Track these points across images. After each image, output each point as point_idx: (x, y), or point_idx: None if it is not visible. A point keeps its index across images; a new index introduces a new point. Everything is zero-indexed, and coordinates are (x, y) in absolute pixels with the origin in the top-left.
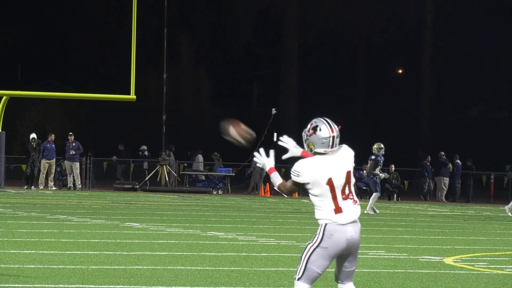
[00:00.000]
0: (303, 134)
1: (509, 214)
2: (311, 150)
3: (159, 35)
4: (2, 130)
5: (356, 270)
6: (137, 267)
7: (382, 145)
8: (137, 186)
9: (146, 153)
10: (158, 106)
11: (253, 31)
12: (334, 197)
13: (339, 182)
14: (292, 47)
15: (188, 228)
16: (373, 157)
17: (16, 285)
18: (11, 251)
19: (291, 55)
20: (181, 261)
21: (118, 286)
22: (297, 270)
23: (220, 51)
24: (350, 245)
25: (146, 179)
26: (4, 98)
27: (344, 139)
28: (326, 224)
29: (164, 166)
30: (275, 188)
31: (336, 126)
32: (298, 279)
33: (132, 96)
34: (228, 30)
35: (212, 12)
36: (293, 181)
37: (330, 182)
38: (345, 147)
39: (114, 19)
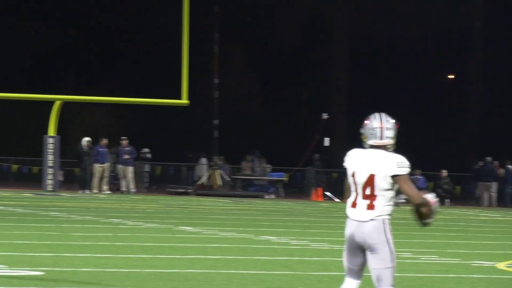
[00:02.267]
0: (361, 129)
1: None
2: (365, 144)
3: (210, 40)
4: (56, 134)
5: (408, 274)
6: (190, 270)
7: None
8: (190, 190)
9: (148, 155)
10: (210, 111)
11: (303, 36)
12: (356, 191)
13: (359, 180)
14: (343, 51)
15: (241, 232)
16: None
17: None
18: (66, 254)
19: (342, 59)
20: (234, 264)
21: None
22: None
23: (270, 56)
24: (360, 243)
25: (200, 182)
26: (57, 102)
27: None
28: (347, 217)
29: (216, 170)
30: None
31: (390, 120)
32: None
33: (185, 101)
34: (278, 34)
35: (262, 17)
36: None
37: (353, 175)
38: (389, 154)
39: (166, 25)
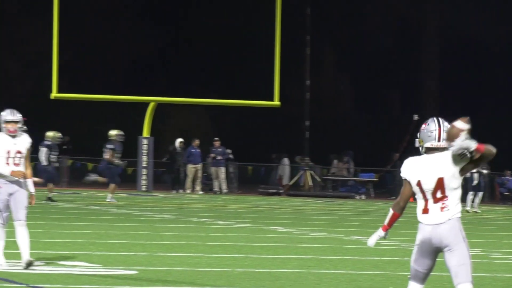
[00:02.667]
0: (418, 134)
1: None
2: (422, 148)
3: (302, 42)
4: (150, 135)
5: (498, 275)
6: (282, 270)
7: None
8: (282, 191)
9: (230, 156)
10: (301, 112)
11: (394, 38)
12: (425, 198)
13: (427, 187)
14: (433, 53)
15: (332, 232)
16: None
17: (164, 287)
18: (159, 253)
19: (432, 61)
20: (325, 264)
21: None
22: None
23: (361, 58)
24: (436, 245)
25: (291, 183)
26: (151, 104)
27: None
28: (419, 221)
29: (308, 171)
30: (394, 212)
31: (447, 124)
32: (409, 278)
33: (276, 102)
34: (369, 36)
35: (353, 19)
36: (403, 179)
37: (419, 184)
38: (447, 153)
39: (258, 27)
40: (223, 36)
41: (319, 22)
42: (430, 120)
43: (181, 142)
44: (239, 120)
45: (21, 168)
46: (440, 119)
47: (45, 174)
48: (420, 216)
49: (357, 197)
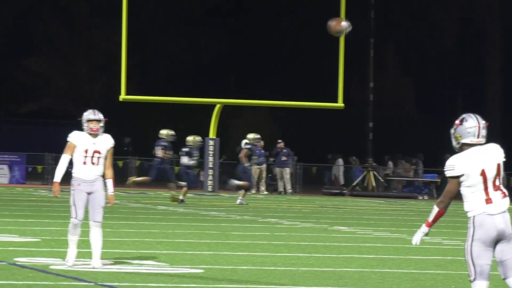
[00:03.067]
0: (451, 130)
1: None
2: (458, 143)
3: (365, 45)
4: (216, 136)
5: None
6: (345, 269)
7: None
8: (345, 191)
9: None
10: (365, 113)
11: (457, 39)
12: (486, 188)
13: (491, 174)
14: (496, 54)
15: (395, 232)
16: None
17: (230, 285)
18: (225, 252)
19: (495, 62)
20: (388, 264)
21: None
22: (469, 273)
23: (425, 59)
24: (500, 234)
25: (354, 183)
26: (218, 106)
27: None
28: (475, 216)
29: (371, 172)
30: (437, 207)
31: (483, 121)
32: (474, 279)
33: (340, 104)
34: (432, 38)
35: (416, 21)
36: (449, 178)
37: (483, 173)
38: (494, 144)
39: (323, 31)
40: (288, 39)
41: (383, 25)
42: (467, 117)
43: (246, 143)
44: (303, 122)
45: (99, 168)
46: (477, 116)
47: (185, 177)
48: (484, 207)
49: (420, 198)
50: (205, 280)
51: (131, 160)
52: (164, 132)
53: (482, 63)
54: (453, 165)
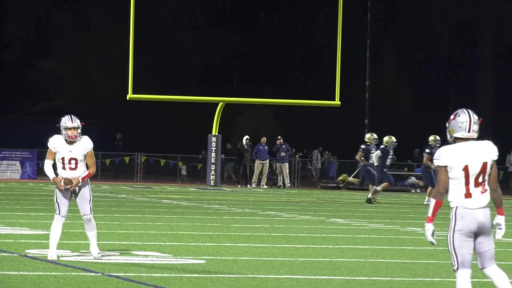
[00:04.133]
0: (446, 124)
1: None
2: (451, 137)
3: (363, 45)
4: (218, 133)
5: None
6: (341, 259)
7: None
8: (341, 185)
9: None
10: (361, 111)
11: (451, 40)
12: (467, 183)
13: (474, 171)
14: (488, 54)
15: (388, 223)
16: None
17: (231, 276)
18: (226, 244)
19: (487, 62)
20: (382, 254)
21: (323, 277)
22: (452, 263)
23: (420, 60)
24: (480, 228)
25: (350, 178)
26: (220, 104)
27: None
28: (456, 208)
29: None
30: (435, 200)
31: (476, 116)
32: (457, 269)
33: (337, 102)
34: (427, 39)
35: (412, 22)
36: (438, 167)
37: (466, 169)
38: (488, 142)
39: (321, 32)
40: (288, 40)
41: (379, 27)
42: (460, 112)
43: (247, 139)
44: (303, 119)
45: (78, 171)
46: (470, 111)
47: (382, 176)
48: (462, 201)
49: (413, 191)
50: (207, 270)
51: (137, 156)
52: (367, 136)
53: (475, 63)
54: (440, 156)
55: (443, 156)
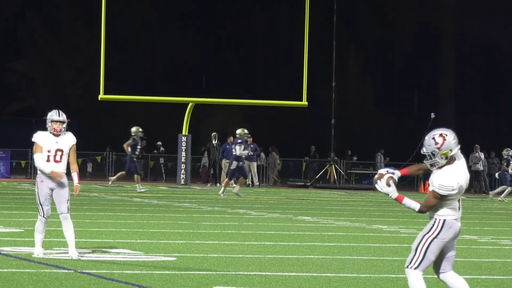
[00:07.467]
0: (430, 151)
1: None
2: (446, 158)
3: (328, 47)
4: (188, 133)
5: (508, 260)
6: (308, 256)
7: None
8: (309, 184)
9: (162, 148)
10: (328, 111)
11: (414, 42)
12: (459, 198)
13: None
14: (450, 56)
15: (355, 221)
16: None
17: (200, 272)
18: (196, 241)
19: (449, 64)
20: (348, 251)
21: (291, 274)
22: (410, 260)
23: (384, 61)
24: (457, 236)
25: (317, 177)
26: (190, 104)
27: (502, 144)
28: (446, 219)
29: (333, 165)
30: (416, 211)
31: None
32: (415, 268)
33: (304, 102)
34: (391, 41)
35: (376, 25)
36: (441, 195)
37: (460, 192)
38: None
39: (288, 34)
40: (256, 42)
41: (345, 29)
42: (442, 132)
43: (214, 134)
44: (271, 119)
45: (62, 165)
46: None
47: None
48: (456, 213)
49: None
50: (178, 267)
51: (109, 155)
52: (133, 129)
53: (437, 64)
54: (453, 187)
55: (457, 186)
